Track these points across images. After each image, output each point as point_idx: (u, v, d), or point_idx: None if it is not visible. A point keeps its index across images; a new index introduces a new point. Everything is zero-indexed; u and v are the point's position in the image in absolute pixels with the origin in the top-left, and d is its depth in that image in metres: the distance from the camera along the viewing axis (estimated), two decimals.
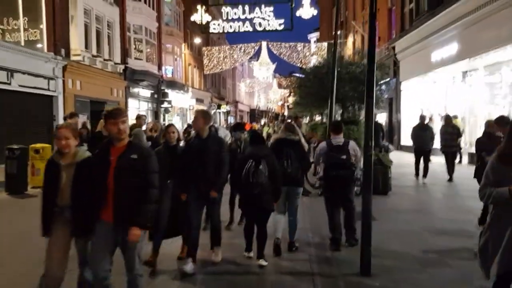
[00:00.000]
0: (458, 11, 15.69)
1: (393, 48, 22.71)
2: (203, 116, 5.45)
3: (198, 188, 5.29)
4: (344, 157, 6.14)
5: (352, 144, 6.38)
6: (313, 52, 35.86)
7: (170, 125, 6.56)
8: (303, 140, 7.19)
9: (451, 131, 12.70)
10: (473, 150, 16.72)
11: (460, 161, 15.45)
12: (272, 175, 5.31)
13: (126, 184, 3.55)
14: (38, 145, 11.40)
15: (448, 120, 13.13)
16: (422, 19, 18.55)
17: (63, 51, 18.39)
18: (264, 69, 35.93)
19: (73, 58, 19.00)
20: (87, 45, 20.20)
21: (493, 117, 14.44)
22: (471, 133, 17.36)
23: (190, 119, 36.54)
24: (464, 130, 16.94)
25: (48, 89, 17.63)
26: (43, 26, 17.31)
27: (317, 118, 35.84)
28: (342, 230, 6.23)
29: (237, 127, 8.10)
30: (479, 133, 16.55)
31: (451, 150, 12.70)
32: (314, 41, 50.73)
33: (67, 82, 18.68)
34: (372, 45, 5.27)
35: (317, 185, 8.98)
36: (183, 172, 5.34)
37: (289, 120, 36.84)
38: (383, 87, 12.47)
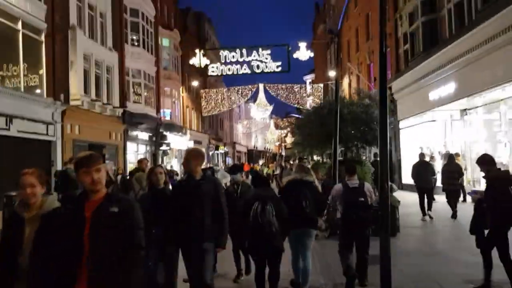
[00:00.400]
0: (452, 52, 15.90)
1: (390, 88, 22.89)
2: (195, 157, 4.98)
3: (187, 237, 4.73)
4: (363, 199, 6.20)
5: (367, 185, 6.51)
6: (309, 93, 36.24)
7: (157, 165, 6.42)
8: (316, 181, 7.07)
9: (453, 169, 12.65)
10: (475, 188, 16.73)
11: (464, 200, 15.32)
12: (279, 215, 5.24)
13: (105, 246, 2.89)
14: None
15: (451, 159, 13.08)
16: (418, 60, 18.78)
17: (62, 96, 18.42)
18: (261, 110, 36.11)
19: (72, 102, 19.01)
20: (86, 90, 20.28)
21: (494, 154, 14.49)
22: (473, 172, 17.34)
23: None
24: (466, 168, 16.91)
25: (47, 134, 17.54)
26: (43, 71, 17.39)
27: (316, 158, 35.91)
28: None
29: (235, 169, 7.68)
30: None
31: (454, 188, 12.62)
32: (310, 82, 51.46)
33: (66, 127, 18.63)
34: (383, 86, 5.22)
35: (324, 227, 8.79)
36: (172, 218, 4.83)
37: (291, 161, 36.59)
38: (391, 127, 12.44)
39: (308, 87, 41.63)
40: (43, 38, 17.36)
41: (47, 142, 17.83)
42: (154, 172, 5.35)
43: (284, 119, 65.58)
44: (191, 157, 4.99)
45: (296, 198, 5.85)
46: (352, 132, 11.54)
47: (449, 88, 16.67)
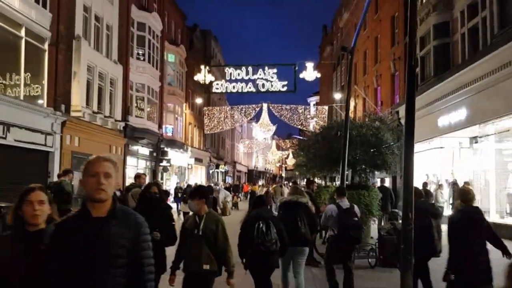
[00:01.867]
0: (465, 78, 15.51)
1: (397, 112, 22.49)
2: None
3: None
4: (356, 219, 6.97)
5: (356, 207, 7.32)
6: (313, 115, 35.85)
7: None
8: (310, 203, 7.34)
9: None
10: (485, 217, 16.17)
11: None
12: (279, 233, 5.60)
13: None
14: None
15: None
16: (428, 84, 18.39)
17: (63, 107, 18.03)
18: (264, 130, 35.69)
19: (73, 114, 18.61)
20: (88, 102, 19.91)
21: (504, 184, 13.97)
22: (481, 201, 16.80)
23: (188, 178, 35.91)
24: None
25: (45, 145, 17.08)
26: (45, 81, 17.01)
27: (317, 180, 35.36)
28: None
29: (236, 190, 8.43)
30: (491, 200, 16.18)
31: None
32: (314, 104, 51.18)
33: (65, 138, 18.18)
34: (410, 116, 4.75)
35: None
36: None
37: (289, 183, 36.13)
38: (396, 151, 11.92)
39: (312, 109, 41.32)
40: (46, 46, 17.02)
41: (45, 152, 17.36)
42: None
43: (286, 140, 65.15)
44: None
45: (291, 218, 6.33)
46: (360, 155, 11.03)
47: (460, 114, 16.22)
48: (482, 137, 16.64)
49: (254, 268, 5.68)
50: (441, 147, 18.55)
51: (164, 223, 5.45)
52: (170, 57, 31.29)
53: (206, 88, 40.75)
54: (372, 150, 10.64)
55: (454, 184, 18.14)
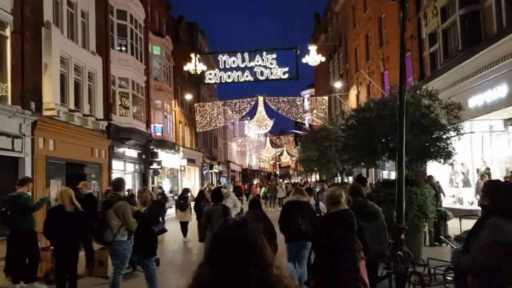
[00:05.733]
0: (504, 49, 13.19)
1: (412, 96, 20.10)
2: None
3: None
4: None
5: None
6: (312, 107, 33.43)
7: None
8: (311, 201, 8.39)
9: None
10: None
11: None
12: (270, 233, 6.16)
13: None
14: None
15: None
16: (455, 61, 16.03)
17: (33, 105, 15.37)
18: (261, 125, 33.15)
19: (45, 113, 15.94)
20: (63, 99, 17.26)
21: None
22: None
23: (181, 181, 33.33)
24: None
25: (13, 150, 14.41)
26: (8, 74, 14.35)
27: (313, 178, 32.99)
28: None
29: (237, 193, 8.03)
30: None
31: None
32: (308, 98, 48.74)
33: (37, 141, 15.51)
34: None
35: None
36: None
37: (284, 181, 34.15)
38: (455, 138, 9.43)
39: (306, 103, 38.91)
40: (8, 33, 14.35)
41: (13, 159, 14.69)
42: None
43: (281, 136, 62.73)
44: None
45: (293, 216, 6.98)
46: (412, 143, 8.51)
47: (499, 92, 13.87)
48: None
49: None
50: (472, 132, 16.12)
51: None
52: (156, 50, 28.62)
53: (196, 82, 38.23)
54: (425, 137, 8.20)
55: (485, 174, 15.84)
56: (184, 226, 15.53)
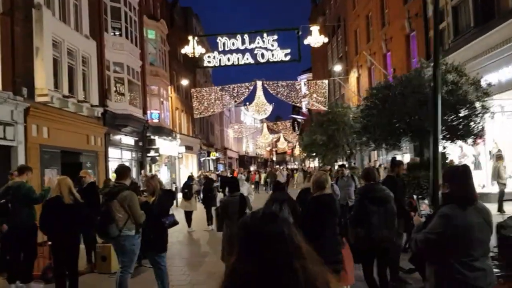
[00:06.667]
0: None
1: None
2: None
3: None
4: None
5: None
6: (312, 91, 32.68)
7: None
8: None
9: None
10: None
11: None
12: (293, 212, 6.26)
13: None
14: None
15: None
16: (466, 39, 15.32)
17: (25, 91, 14.61)
18: (260, 111, 32.38)
19: (38, 99, 15.18)
20: (57, 84, 16.49)
21: None
22: None
23: (178, 169, 32.69)
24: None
25: (5, 138, 13.66)
26: None
27: (316, 164, 32.37)
28: None
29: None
30: None
31: None
32: (305, 83, 47.97)
33: (30, 129, 14.76)
34: None
35: None
36: None
37: (281, 166, 33.72)
38: (486, 115, 8.73)
39: (304, 88, 38.18)
40: None
41: (6, 147, 13.96)
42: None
43: (278, 122, 62.02)
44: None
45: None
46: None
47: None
48: None
49: None
50: (503, 111, 15.40)
51: None
52: (151, 34, 27.75)
53: (192, 68, 37.40)
54: (452, 116, 7.53)
55: (499, 156, 15.24)
56: (188, 215, 14.89)
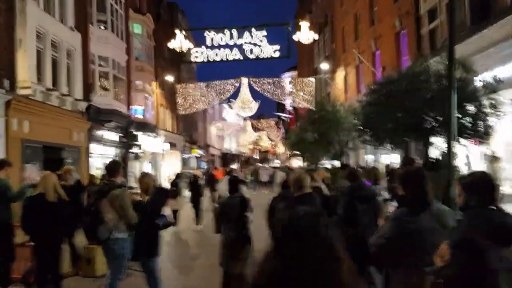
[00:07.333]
0: None
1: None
2: None
3: None
4: None
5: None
6: (298, 88, 32.42)
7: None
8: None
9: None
10: None
11: None
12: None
13: None
14: None
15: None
16: (462, 36, 15.17)
17: (6, 83, 14.04)
18: (245, 107, 32.01)
19: (20, 91, 14.60)
20: (39, 77, 15.91)
21: None
22: None
23: (162, 166, 32.18)
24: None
25: None
26: None
27: (302, 163, 32.08)
28: None
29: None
30: None
31: None
32: (290, 81, 47.70)
33: (11, 122, 14.18)
34: None
35: None
36: None
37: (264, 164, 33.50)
38: (500, 113, 8.48)
39: (288, 86, 37.90)
40: None
41: None
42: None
43: (262, 120, 61.73)
44: None
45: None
46: (443, 118, 7.56)
47: (508, 70, 13.09)
48: None
49: None
50: None
51: None
52: (137, 28, 27.14)
53: (177, 64, 36.82)
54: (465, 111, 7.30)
55: (493, 157, 15.11)
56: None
